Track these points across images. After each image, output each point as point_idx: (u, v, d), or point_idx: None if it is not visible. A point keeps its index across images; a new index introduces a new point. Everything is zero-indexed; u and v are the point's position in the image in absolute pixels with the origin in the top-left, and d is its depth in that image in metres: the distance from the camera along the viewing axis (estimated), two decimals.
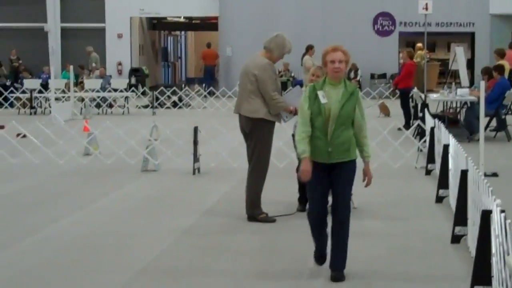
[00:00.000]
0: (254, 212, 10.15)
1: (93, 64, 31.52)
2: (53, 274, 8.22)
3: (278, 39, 10.45)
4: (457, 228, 9.14)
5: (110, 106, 28.47)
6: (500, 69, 19.41)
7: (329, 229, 7.80)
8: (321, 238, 7.88)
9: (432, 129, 14.19)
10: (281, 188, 11.74)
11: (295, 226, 9.90)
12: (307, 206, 9.59)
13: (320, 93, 7.55)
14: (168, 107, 29.14)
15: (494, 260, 6.56)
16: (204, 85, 32.48)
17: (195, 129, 13.96)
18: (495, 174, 12.76)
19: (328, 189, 7.75)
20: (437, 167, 12.71)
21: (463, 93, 19.95)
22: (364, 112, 7.83)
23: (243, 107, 10.28)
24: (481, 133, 10.40)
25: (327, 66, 7.67)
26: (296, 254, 8.84)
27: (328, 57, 7.62)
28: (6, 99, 29.44)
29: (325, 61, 7.70)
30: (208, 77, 36.88)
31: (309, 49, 27.61)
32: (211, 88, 31.48)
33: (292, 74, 31.71)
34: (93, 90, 28.62)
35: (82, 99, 27.62)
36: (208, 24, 39.12)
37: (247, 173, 10.44)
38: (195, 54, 42.45)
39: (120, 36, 37.82)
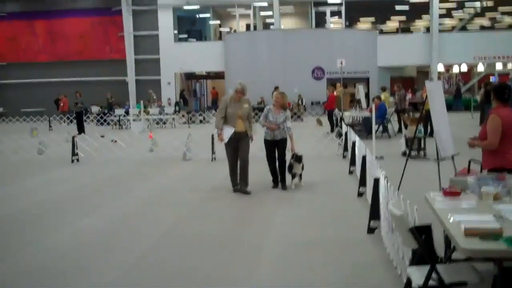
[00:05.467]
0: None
1: (154, 97, 31.53)
2: (140, 220, 8.24)
3: (235, 86, 9.65)
4: (361, 188, 9.22)
5: (164, 123, 28.46)
6: (379, 98, 19.43)
7: None
8: None
9: (346, 132, 14.27)
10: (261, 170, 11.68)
11: (263, 197, 9.82)
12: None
13: None
14: (197, 123, 29.17)
15: (381, 205, 6.63)
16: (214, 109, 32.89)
17: (212, 135, 13.97)
18: (381, 157, 12.84)
19: None
20: (349, 154, 12.78)
21: (362, 112, 20.10)
22: None
23: None
24: (373, 134, 10.48)
25: None
26: (260, 215, 8.84)
27: None
28: (105, 120, 29.49)
29: None
30: (215, 105, 37.31)
31: (276, 88, 27.67)
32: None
33: (265, 104, 31.48)
34: (154, 114, 28.59)
35: (148, 119, 27.65)
36: (218, 75, 39.09)
37: None
38: (211, 93, 42.50)
39: (169, 83, 37.88)
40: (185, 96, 32.95)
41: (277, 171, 10.21)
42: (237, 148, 9.65)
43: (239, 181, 9.76)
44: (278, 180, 10.22)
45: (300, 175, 10.29)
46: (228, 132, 9.52)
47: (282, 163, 10.14)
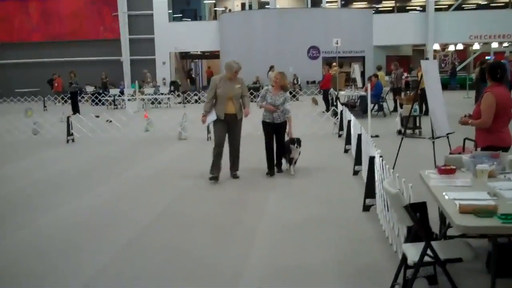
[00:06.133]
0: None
1: (148, 79, 31.45)
2: (133, 201, 8.24)
3: (226, 64, 8.95)
4: (357, 167, 9.24)
5: (159, 103, 28.37)
6: (376, 76, 19.51)
7: None
8: None
9: (341, 111, 14.26)
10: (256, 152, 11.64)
11: (257, 179, 9.74)
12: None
13: None
14: (192, 103, 29.05)
15: (376, 183, 6.65)
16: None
17: None
18: (377, 136, 12.86)
19: None
20: (344, 133, 12.79)
21: (358, 91, 20.09)
22: None
23: None
24: (369, 113, 10.44)
25: None
26: (251, 201, 8.82)
27: None
28: (100, 100, 29.37)
29: None
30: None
31: (272, 67, 27.54)
32: None
33: (261, 83, 31.36)
34: (149, 94, 28.50)
35: (143, 99, 27.54)
36: (214, 55, 38.89)
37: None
38: (206, 72, 42.23)
39: (164, 63, 37.64)
40: (192, 76, 32.78)
41: (274, 158, 9.56)
42: (226, 131, 9.03)
43: (230, 166, 9.30)
44: (274, 168, 9.59)
45: (295, 161, 9.65)
46: (211, 117, 8.92)
47: (280, 148, 9.55)
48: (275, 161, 9.61)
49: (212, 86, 8.92)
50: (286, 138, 9.56)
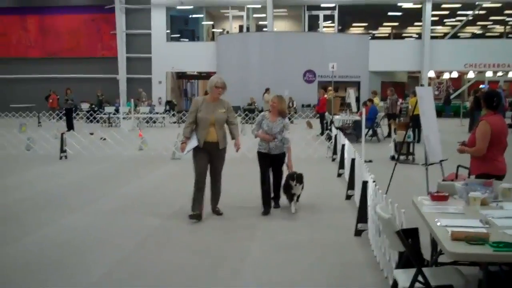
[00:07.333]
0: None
1: (143, 98, 31.60)
2: (125, 219, 8.17)
3: (209, 81, 7.89)
4: (349, 191, 9.23)
5: (154, 122, 28.37)
6: (371, 100, 19.66)
7: None
8: None
9: (336, 135, 14.28)
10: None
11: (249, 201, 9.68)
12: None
13: None
14: None
15: (369, 208, 6.63)
16: None
17: None
18: (370, 161, 12.86)
19: None
20: (338, 157, 12.78)
21: (353, 116, 20.19)
22: None
23: None
24: (363, 138, 10.43)
25: None
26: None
27: None
28: (94, 118, 29.36)
29: None
30: None
31: (267, 89, 27.62)
32: None
33: (256, 105, 31.39)
34: (144, 113, 28.51)
35: (138, 118, 27.51)
36: (210, 76, 38.90)
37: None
38: (202, 93, 42.30)
39: (160, 82, 37.80)
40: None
41: (270, 193, 8.45)
42: (208, 161, 7.85)
43: (211, 199, 8.16)
44: (271, 205, 8.46)
45: (298, 196, 8.53)
46: (192, 144, 7.77)
47: (278, 179, 8.49)
48: (271, 195, 8.54)
49: (193, 108, 7.78)
50: (286, 171, 8.55)
